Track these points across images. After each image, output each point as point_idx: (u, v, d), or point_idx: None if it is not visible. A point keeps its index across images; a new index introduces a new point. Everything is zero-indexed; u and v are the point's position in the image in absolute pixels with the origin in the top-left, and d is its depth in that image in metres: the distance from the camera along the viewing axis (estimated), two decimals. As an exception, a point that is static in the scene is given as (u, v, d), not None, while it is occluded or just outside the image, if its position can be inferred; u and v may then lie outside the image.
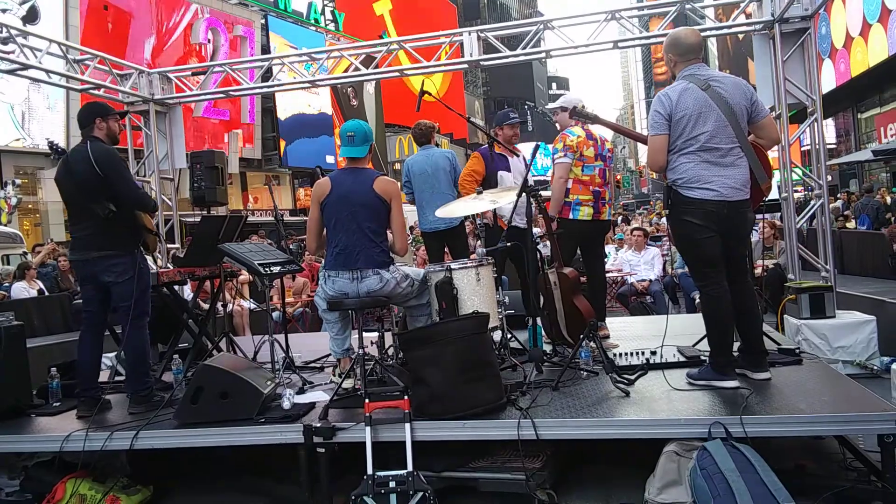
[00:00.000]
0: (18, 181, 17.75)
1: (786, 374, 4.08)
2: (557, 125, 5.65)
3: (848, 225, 13.81)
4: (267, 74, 8.58)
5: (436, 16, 37.47)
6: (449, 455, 3.74)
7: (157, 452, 4.02)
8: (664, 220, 11.78)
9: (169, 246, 8.02)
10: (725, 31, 7.49)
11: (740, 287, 3.90)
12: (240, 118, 26.11)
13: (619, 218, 17.10)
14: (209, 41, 24.80)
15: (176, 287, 6.04)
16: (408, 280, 4.39)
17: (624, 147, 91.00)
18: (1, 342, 4.40)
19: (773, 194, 6.01)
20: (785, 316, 6.18)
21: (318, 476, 3.67)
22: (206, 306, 6.94)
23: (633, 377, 4.13)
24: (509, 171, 5.67)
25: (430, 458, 3.65)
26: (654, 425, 3.46)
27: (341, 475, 3.75)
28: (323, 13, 31.55)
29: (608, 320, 5.98)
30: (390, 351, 4.89)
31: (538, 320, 4.79)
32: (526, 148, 6.38)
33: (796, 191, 9.14)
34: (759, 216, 4.53)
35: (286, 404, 3.97)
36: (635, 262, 9.13)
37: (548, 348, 4.90)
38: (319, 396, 4.32)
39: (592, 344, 4.38)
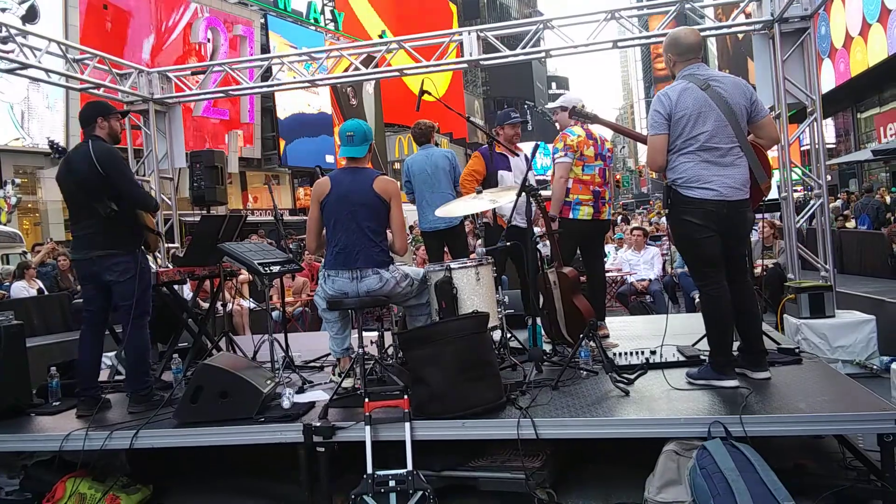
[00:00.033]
0: (18, 180, 17.74)
1: (785, 373, 4.08)
2: (557, 125, 5.65)
3: (847, 224, 13.83)
4: (266, 74, 8.58)
5: (434, 11, 37.42)
6: (448, 454, 3.74)
7: (157, 452, 4.02)
8: (664, 219, 11.80)
9: (168, 245, 8.02)
10: (725, 30, 7.49)
11: (740, 287, 3.90)
12: (239, 118, 26.11)
13: (619, 217, 17.10)
14: (209, 40, 24.81)
15: (175, 286, 6.04)
16: (407, 279, 4.39)
17: (623, 147, 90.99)
18: (1, 341, 4.39)
19: (773, 194, 6.01)
20: (784, 315, 6.18)
21: (318, 475, 3.67)
22: (205, 305, 6.94)
23: (632, 377, 4.13)
24: (510, 170, 5.67)
25: (429, 458, 3.65)
26: (654, 424, 3.47)
27: (341, 474, 3.75)
28: (322, 13, 31.54)
29: (608, 320, 5.98)
30: (390, 350, 4.89)
31: (538, 320, 4.79)
32: (525, 147, 6.39)
33: (796, 190, 9.16)
34: (758, 216, 4.53)
35: (286, 403, 3.97)
36: (635, 261, 9.14)
37: (547, 348, 4.90)
38: (319, 396, 4.32)
39: (592, 343, 4.38)
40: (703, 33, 5.90)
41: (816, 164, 6.73)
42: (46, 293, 9.27)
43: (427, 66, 7.62)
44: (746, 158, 3.78)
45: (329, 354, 4.90)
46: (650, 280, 8.77)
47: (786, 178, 6.58)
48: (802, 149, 19.33)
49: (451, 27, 25.85)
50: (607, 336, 5.50)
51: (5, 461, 4.33)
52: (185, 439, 3.91)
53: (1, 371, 4.38)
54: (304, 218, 4.52)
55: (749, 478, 2.94)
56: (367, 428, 3.51)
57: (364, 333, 4.25)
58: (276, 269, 4.74)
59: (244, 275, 8.28)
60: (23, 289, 9.06)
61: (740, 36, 25.66)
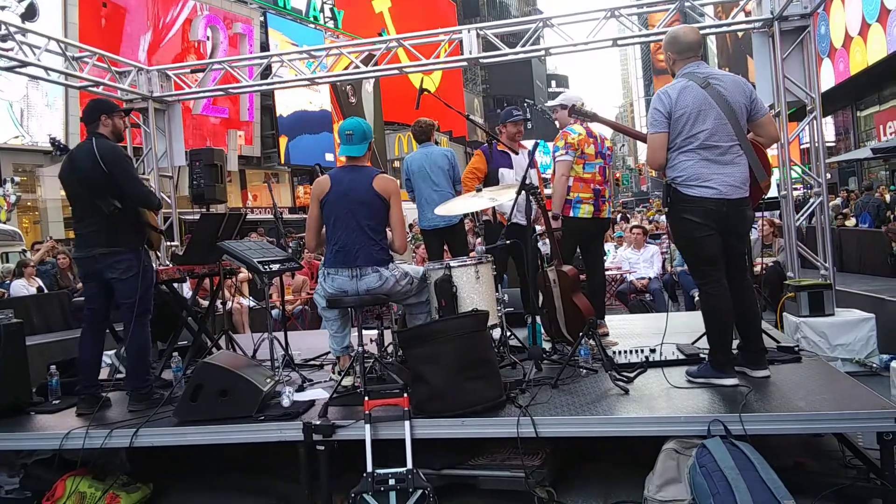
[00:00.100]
0: (17, 179, 17.73)
1: (785, 371, 4.09)
2: (557, 123, 5.65)
3: (847, 223, 13.83)
4: (266, 72, 8.57)
5: (435, 12, 37.46)
6: (448, 453, 3.74)
7: (157, 450, 4.02)
8: (663, 217, 11.79)
9: (168, 244, 8.02)
10: (725, 28, 7.49)
11: (739, 285, 3.90)
12: (239, 116, 26.11)
13: (619, 216, 17.11)
14: (208, 38, 24.80)
15: (175, 285, 6.04)
16: (407, 278, 4.39)
17: (623, 145, 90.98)
18: (0, 340, 4.39)
19: (773, 192, 6.01)
20: (784, 314, 6.18)
21: (318, 474, 3.67)
22: (205, 304, 6.94)
23: (632, 375, 4.13)
24: (511, 168, 5.66)
25: (429, 456, 3.65)
26: (654, 423, 3.47)
27: (341, 473, 3.75)
28: (322, 10, 31.52)
29: (607, 318, 5.98)
30: (390, 349, 4.89)
31: (537, 318, 4.79)
32: (525, 145, 6.38)
33: (795, 189, 9.14)
34: (758, 214, 4.53)
35: (286, 402, 3.97)
36: (634, 259, 9.14)
37: (547, 346, 4.90)
38: (319, 394, 4.32)
39: (592, 342, 4.38)
40: (702, 31, 5.91)
41: (816, 162, 6.73)
42: (46, 291, 9.27)
43: (427, 64, 7.62)
44: (746, 157, 3.78)
45: (329, 353, 4.90)
46: (650, 278, 8.77)
47: (785, 176, 6.59)
48: (802, 147, 19.34)
49: (454, 24, 25.78)
50: (607, 334, 5.50)
51: (5, 460, 4.32)
52: (184, 438, 3.90)
53: (1, 369, 4.38)
54: (304, 216, 4.52)
55: (749, 476, 2.94)
56: (367, 426, 3.51)
57: (364, 332, 4.25)
58: (275, 267, 4.73)
59: (244, 273, 8.28)
60: (22, 287, 9.06)
61: (740, 34, 25.65)
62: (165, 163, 8.27)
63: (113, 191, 4.23)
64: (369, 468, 3.39)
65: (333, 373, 4.76)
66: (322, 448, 3.66)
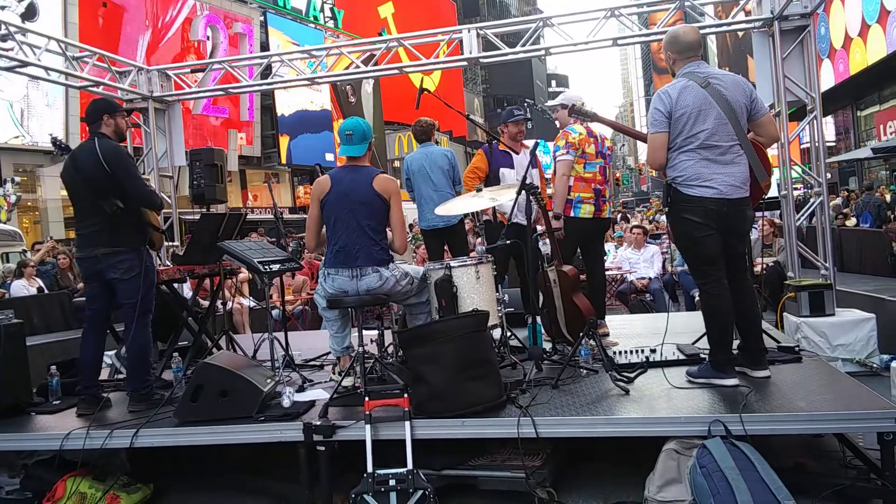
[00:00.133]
0: (17, 179, 17.72)
1: (785, 372, 4.08)
2: (557, 123, 5.65)
3: (847, 223, 13.83)
4: (266, 72, 8.57)
5: (437, 15, 37.51)
6: (449, 453, 3.74)
7: (157, 451, 4.02)
8: (663, 217, 11.79)
9: (168, 244, 8.02)
10: (725, 28, 7.49)
11: (740, 285, 3.90)
12: (239, 116, 26.11)
13: (619, 216, 17.11)
14: (208, 38, 24.80)
15: (175, 285, 6.04)
16: (407, 278, 4.39)
17: (623, 145, 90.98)
18: (0, 340, 4.39)
19: (773, 192, 6.01)
20: (784, 314, 6.18)
21: (318, 474, 3.67)
22: (205, 304, 6.94)
23: (632, 375, 4.13)
24: (512, 168, 5.66)
25: (430, 457, 3.65)
26: (654, 423, 3.46)
27: (341, 473, 3.75)
28: (322, 10, 31.53)
29: (608, 318, 5.98)
30: (390, 349, 4.89)
31: (538, 318, 4.79)
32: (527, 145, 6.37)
33: (796, 188, 9.14)
34: (758, 214, 4.53)
35: (286, 402, 3.97)
36: (635, 259, 9.13)
37: (547, 346, 4.89)
38: (319, 394, 4.32)
39: (592, 342, 4.38)
40: (702, 31, 5.91)
41: (816, 162, 6.73)
42: (46, 292, 9.27)
43: (427, 64, 7.62)
44: (746, 156, 3.78)
45: (329, 353, 4.90)
46: (650, 278, 8.77)
47: (786, 176, 6.58)
48: (802, 147, 19.32)
49: (454, 24, 25.79)
50: (607, 334, 5.49)
51: (6, 460, 4.33)
52: (185, 438, 3.90)
53: (1, 370, 4.38)
54: (304, 216, 4.52)
55: (749, 476, 2.94)
56: (368, 427, 3.51)
57: (364, 332, 4.25)
58: (275, 267, 4.73)
59: (244, 273, 8.27)
60: (23, 287, 9.06)
61: (740, 34, 25.64)
62: (166, 163, 8.27)
63: (115, 191, 4.22)
64: (370, 469, 3.39)
65: (334, 373, 4.76)
66: (322, 448, 3.66)
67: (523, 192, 4.57)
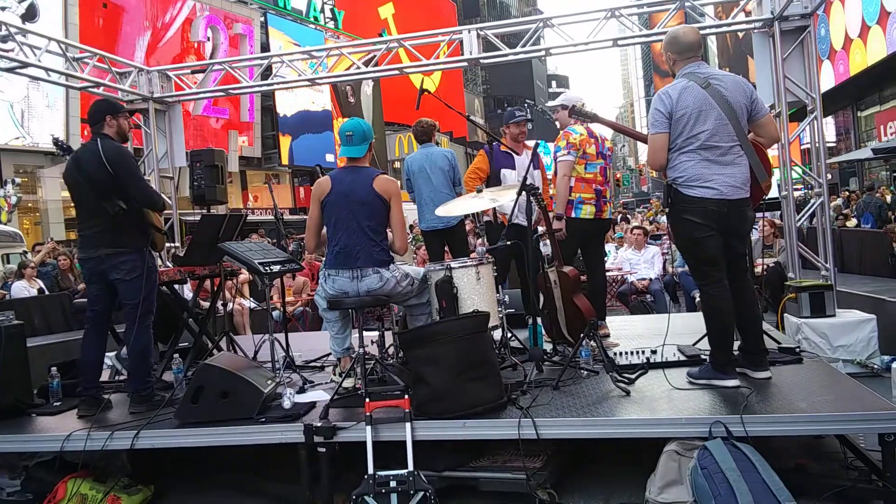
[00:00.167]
0: (18, 180, 17.74)
1: (786, 373, 4.08)
2: (557, 123, 5.65)
3: (848, 223, 13.82)
4: (266, 72, 8.57)
5: (437, 16, 37.54)
6: (450, 454, 3.74)
7: (158, 452, 4.02)
8: (664, 218, 11.79)
9: (168, 245, 8.02)
10: (725, 29, 7.48)
11: (740, 286, 3.89)
12: (239, 117, 26.12)
13: (619, 216, 17.11)
14: (208, 39, 24.81)
15: (176, 286, 6.04)
16: (408, 279, 4.39)
17: (624, 146, 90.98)
18: (1, 341, 4.39)
19: (773, 193, 6.00)
20: (785, 315, 6.17)
21: (319, 475, 3.67)
22: (206, 305, 6.94)
23: (633, 376, 4.13)
24: (514, 169, 5.65)
25: (430, 458, 3.65)
26: (655, 424, 3.46)
27: (342, 474, 3.75)
28: (322, 11, 31.56)
29: (608, 319, 5.98)
30: (391, 350, 4.89)
31: (538, 319, 4.79)
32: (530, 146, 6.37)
33: (796, 189, 9.14)
34: (758, 214, 4.53)
35: (287, 404, 3.97)
36: (635, 260, 9.13)
37: (548, 347, 4.89)
38: (320, 396, 4.32)
39: (593, 343, 4.37)
40: (703, 31, 5.90)
41: (817, 162, 6.73)
42: (47, 293, 9.27)
43: (427, 65, 7.62)
44: (747, 157, 3.78)
45: (330, 354, 4.90)
46: (651, 279, 8.77)
47: (786, 176, 6.58)
48: (803, 147, 19.32)
49: (454, 25, 25.81)
50: (608, 335, 5.50)
51: (6, 462, 4.33)
52: (185, 440, 3.90)
53: (2, 371, 4.38)
54: (305, 217, 4.53)
55: (750, 478, 2.94)
56: (368, 428, 3.51)
57: (365, 333, 4.25)
58: (276, 268, 4.74)
59: (244, 274, 8.27)
60: (23, 288, 9.06)
61: (740, 34, 25.64)
62: (166, 164, 8.27)
63: (118, 191, 4.22)
64: (370, 470, 3.39)
65: (334, 374, 4.76)
66: (323, 450, 3.66)
67: (524, 193, 4.56)
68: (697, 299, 6.53)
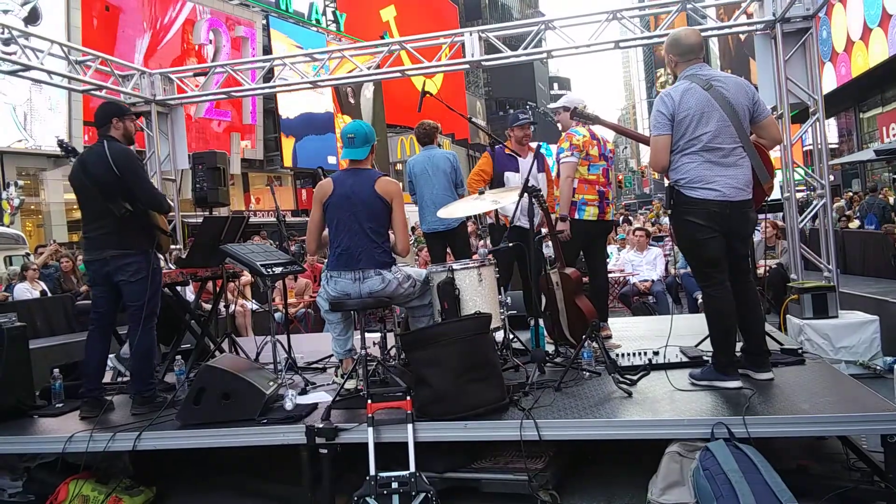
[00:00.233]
0: (21, 182, 17.77)
1: (788, 374, 4.08)
2: (559, 125, 5.65)
3: (850, 225, 13.79)
4: (268, 75, 8.59)
5: (439, 18, 37.60)
6: (451, 456, 3.74)
7: (160, 453, 4.02)
8: (666, 219, 11.77)
9: (171, 247, 8.02)
10: (727, 30, 7.49)
11: (743, 287, 3.89)
12: (241, 119, 26.15)
13: (621, 218, 17.09)
14: (210, 42, 24.84)
15: (178, 288, 6.04)
16: (410, 280, 4.39)
17: (626, 147, 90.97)
18: (3, 343, 4.40)
19: (776, 194, 6.00)
20: (787, 316, 6.17)
21: (321, 477, 3.67)
22: (208, 307, 6.95)
23: (635, 378, 4.12)
24: (517, 171, 5.64)
25: (432, 459, 3.65)
26: (657, 426, 3.46)
27: (343, 476, 3.75)
28: (324, 14, 31.60)
29: (610, 321, 5.97)
30: (392, 352, 4.89)
31: (540, 321, 4.79)
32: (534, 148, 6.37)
33: (798, 191, 9.13)
34: (761, 216, 4.53)
35: (288, 405, 3.97)
36: (637, 262, 9.12)
37: (550, 349, 4.89)
38: (322, 397, 4.32)
39: (595, 344, 4.37)
40: (704, 33, 5.90)
41: (819, 164, 6.73)
42: (49, 295, 9.28)
43: (429, 67, 7.63)
44: (749, 159, 3.78)
45: (332, 356, 4.90)
46: (653, 281, 8.76)
47: (788, 178, 6.58)
48: (805, 149, 19.29)
49: (456, 27, 25.85)
50: (610, 337, 5.49)
51: (8, 463, 4.33)
52: (187, 441, 3.91)
53: (4, 373, 4.39)
54: (307, 219, 4.52)
55: (752, 479, 2.94)
56: (370, 429, 3.51)
57: (367, 335, 4.25)
58: (278, 270, 4.74)
59: (246, 276, 8.28)
60: (26, 290, 9.07)
61: (742, 36, 25.64)
62: (168, 166, 8.29)
63: (124, 194, 4.23)
64: (372, 471, 3.39)
65: (336, 376, 4.76)
66: (325, 451, 3.66)
67: (526, 195, 4.56)
68: (699, 301, 6.52)
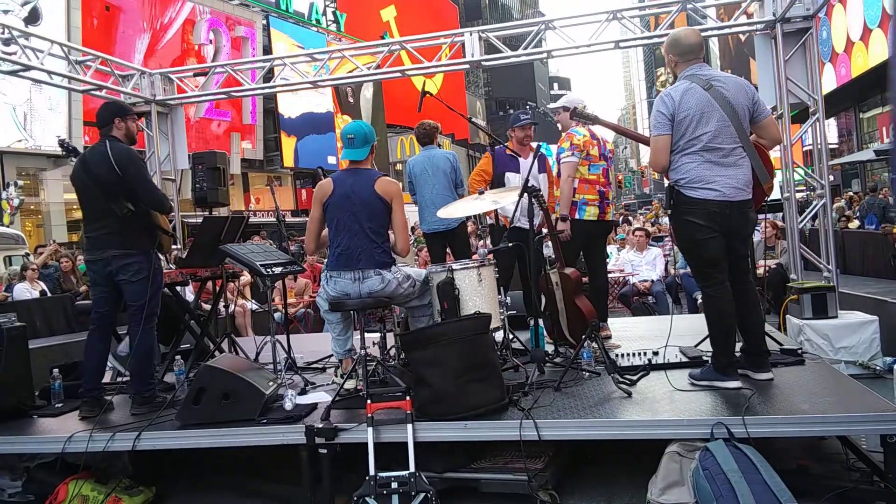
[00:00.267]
0: (21, 182, 17.76)
1: (788, 374, 4.08)
2: (559, 125, 5.65)
3: (850, 225, 13.79)
4: (268, 75, 8.58)
5: (439, 18, 37.62)
6: (451, 456, 3.74)
7: (160, 453, 4.02)
8: (665, 219, 11.78)
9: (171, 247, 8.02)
10: (727, 30, 7.49)
11: (742, 287, 3.89)
12: (241, 119, 26.15)
13: (621, 218, 17.08)
14: (211, 42, 24.83)
15: (178, 288, 6.04)
16: (409, 280, 4.39)
17: (626, 147, 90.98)
18: (3, 343, 4.40)
19: (775, 194, 6.00)
20: (787, 316, 6.17)
21: (320, 477, 3.67)
22: (207, 307, 6.95)
23: (635, 378, 4.12)
24: (518, 172, 5.64)
25: (432, 459, 3.65)
26: (657, 426, 3.46)
27: (343, 476, 3.75)
28: (324, 14, 31.60)
29: (610, 321, 5.97)
30: (392, 352, 4.89)
31: (540, 321, 4.79)
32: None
33: (798, 191, 9.13)
34: (760, 216, 4.52)
35: (288, 405, 3.97)
36: (637, 262, 9.12)
37: (550, 349, 4.89)
38: (321, 397, 4.32)
39: (594, 344, 4.37)
40: (704, 33, 5.90)
41: (819, 164, 6.72)
42: (49, 295, 9.28)
43: (429, 67, 7.63)
44: (749, 158, 3.78)
45: (331, 356, 4.90)
46: (652, 281, 8.76)
47: (788, 178, 6.57)
48: (805, 149, 19.27)
49: (456, 27, 25.86)
50: (609, 337, 5.49)
51: (8, 463, 4.33)
52: (187, 441, 3.91)
53: (3, 373, 4.39)
54: (307, 219, 4.51)
55: (752, 479, 2.94)
56: (370, 429, 3.51)
57: (366, 335, 4.25)
58: (278, 270, 4.74)
59: (246, 276, 8.28)
60: (25, 290, 9.07)
61: (742, 36, 25.64)
62: (168, 166, 8.29)
63: (126, 193, 4.23)
64: (372, 471, 3.39)
65: (336, 376, 4.76)
66: (324, 451, 3.66)
67: (525, 195, 4.56)
68: (699, 301, 6.52)
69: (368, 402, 3.58)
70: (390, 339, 4.94)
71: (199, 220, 6.44)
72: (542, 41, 7.39)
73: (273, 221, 17.65)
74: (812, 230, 7.64)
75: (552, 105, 6.52)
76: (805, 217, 6.71)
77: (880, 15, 17.20)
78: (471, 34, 7.20)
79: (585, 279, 5.43)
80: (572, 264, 5.10)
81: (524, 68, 50.19)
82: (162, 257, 4.74)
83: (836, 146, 24.62)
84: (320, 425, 3.68)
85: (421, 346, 3.75)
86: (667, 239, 10.55)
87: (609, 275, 7.11)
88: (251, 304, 9.27)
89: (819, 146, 6.63)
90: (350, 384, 4.27)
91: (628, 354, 4.71)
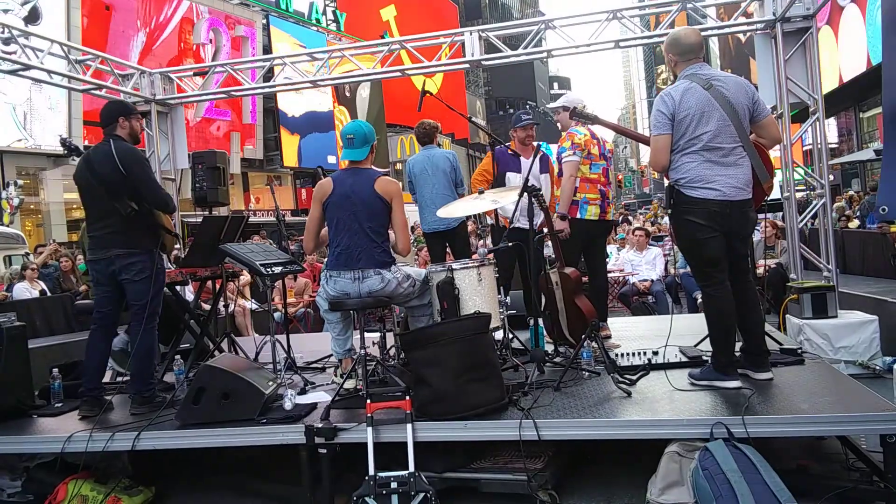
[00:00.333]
0: (20, 182, 17.76)
1: (788, 374, 4.08)
2: (559, 125, 5.65)
3: (850, 224, 13.78)
4: (268, 74, 8.58)
5: (439, 18, 37.62)
6: (451, 456, 3.74)
7: (159, 453, 4.02)
8: (665, 219, 11.78)
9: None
10: (727, 30, 7.48)
11: (742, 287, 3.89)
12: (241, 119, 26.15)
13: (621, 218, 17.08)
14: (210, 41, 24.83)
15: (177, 287, 6.04)
16: (409, 280, 4.39)
17: (626, 147, 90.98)
18: (2, 343, 4.40)
19: (775, 194, 6.00)
20: (787, 316, 6.17)
21: (320, 476, 3.67)
22: (207, 307, 6.94)
23: (635, 377, 4.12)
24: (519, 172, 5.63)
25: (431, 459, 3.65)
26: (656, 426, 3.46)
27: (343, 476, 3.75)
28: (324, 13, 31.60)
29: (610, 320, 5.97)
30: (392, 351, 4.88)
31: (540, 321, 4.79)
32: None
33: (798, 190, 9.12)
34: (760, 216, 4.52)
35: (288, 405, 3.97)
36: (637, 261, 9.12)
37: (549, 349, 4.89)
38: (321, 397, 4.32)
39: (594, 344, 4.37)
40: (704, 33, 5.90)
41: (819, 163, 6.72)
42: (49, 294, 9.28)
43: (429, 67, 7.62)
44: (749, 158, 3.78)
45: (331, 356, 4.90)
46: (652, 280, 8.76)
47: (788, 177, 6.57)
48: (805, 149, 19.27)
49: (456, 27, 25.86)
50: (609, 337, 5.49)
51: (7, 463, 4.33)
52: (187, 441, 3.90)
53: (3, 372, 4.39)
54: (306, 219, 4.51)
55: (752, 479, 2.94)
56: (369, 429, 3.51)
57: (366, 334, 4.25)
58: (277, 269, 4.74)
59: (246, 276, 8.28)
60: (25, 290, 9.07)
61: (742, 36, 25.64)
62: (168, 166, 8.28)
63: (130, 193, 4.23)
64: (371, 471, 3.39)
65: (336, 376, 4.76)
66: (324, 451, 3.66)
67: (525, 195, 4.56)
68: (699, 300, 6.52)
69: (368, 401, 3.58)
70: (390, 339, 4.94)
71: (199, 219, 6.43)
72: (542, 41, 7.38)
73: (273, 221, 17.67)
74: (812, 230, 7.63)
75: (551, 105, 6.52)
76: (805, 217, 6.71)
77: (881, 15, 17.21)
78: (471, 34, 7.20)
79: (585, 279, 5.43)
80: (574, 264, 5.10)
81: (524, 68, 50.19)
82: (164, 257, 4.74)
83: (836, 146, 24.61)
84: (320, 425, 3.68)
85: (420, 346, 3.75)
86: (667, 238, 10.55)
87: (609, 274, 7.11)
88: (251, 304, 9.27)
89: (819, 146, 6.63)
90: (350, 384, 4.27)
91: (628, 354, 4.71)
